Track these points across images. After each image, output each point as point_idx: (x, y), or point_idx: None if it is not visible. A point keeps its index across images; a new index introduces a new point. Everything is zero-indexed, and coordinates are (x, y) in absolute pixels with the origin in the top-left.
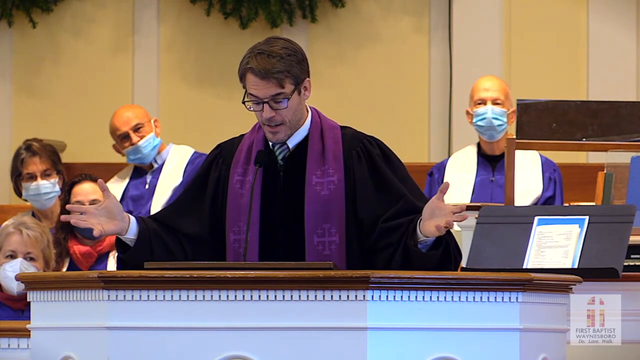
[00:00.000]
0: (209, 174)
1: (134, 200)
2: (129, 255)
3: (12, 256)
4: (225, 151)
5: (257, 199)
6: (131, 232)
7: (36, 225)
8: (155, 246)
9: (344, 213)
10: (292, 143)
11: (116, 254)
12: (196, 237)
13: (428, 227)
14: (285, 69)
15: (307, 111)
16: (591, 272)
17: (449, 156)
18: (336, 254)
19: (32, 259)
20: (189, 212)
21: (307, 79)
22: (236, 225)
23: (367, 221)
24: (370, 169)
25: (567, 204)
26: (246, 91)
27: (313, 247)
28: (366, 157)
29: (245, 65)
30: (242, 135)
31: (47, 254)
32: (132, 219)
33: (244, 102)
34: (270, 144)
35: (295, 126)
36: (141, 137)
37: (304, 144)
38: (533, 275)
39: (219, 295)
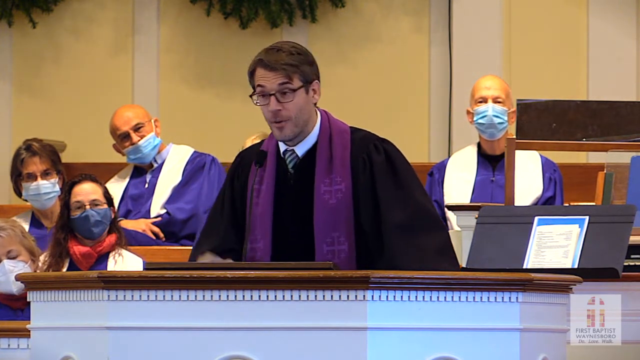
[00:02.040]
0: (233, 186)
1: (134, 200)
2: None
3: None
4: (245, 160)
5: (270, 207)
6: None
7: (4, 222)
8: None
9: (352, 221)
10: (301, 151)
11: (117, 255)
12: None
13: None
14: (294, 63)
15: (317, 115)
16: (591, 272)
17: (449, 156)
18: (346, 262)
19: (15, 256)
20: (230, 229)
21: (317, 81)
22: (252, 234)
23: (367, 230)
24: (371, 179)
25: (567, 204)
26: (254, 88)
27: (323, 256)
28: (369, 165)
29: (256, 59)
30: (261, 142)
31: (26, 244)
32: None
33: (251, 96)
34: (282, 151)
35: (303, 125)
36: (141, 137)
37: (312, 151)
38: (533, 275)
39: (219, 295)
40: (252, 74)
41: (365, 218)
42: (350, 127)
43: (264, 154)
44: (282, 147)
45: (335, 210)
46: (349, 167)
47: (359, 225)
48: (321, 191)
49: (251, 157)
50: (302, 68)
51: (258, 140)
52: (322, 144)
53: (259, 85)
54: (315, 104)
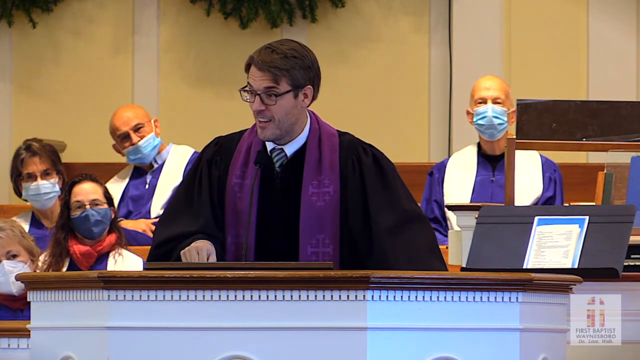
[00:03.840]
0: (210, 173)
1: (134, 201)
2: None
3: None
4: (224, 148)
5: (254, 205)
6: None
7: (3, 222)
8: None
9: (339, 224)
10: (290, 150)
11: (117, 255)
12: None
13: None
14: (285, 67)
15: (307, 117)
16: (591, 272)
17: (449, 156)
18: None
19: (14, 256)
20: (210, 215)
21: (309, 86)
22: (234, 228)
23: (355, 231)
24: (361, 181)
25: (567, 204)
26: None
27: (307, 257)
28: (359, 167)
29: (251, 55)
30: (242, 132)
31: (26, 244)
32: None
33: (240, 91)
34: (269, 149)
35: (287, 129)
36: (141, 137)
37: (301, 151)
38: (533, 275)
39: (219, 295)
40: (247, 68)
41: (354, 220)
42: (337, 130)
43: (263, 154)
44: (270, 145)
45: (322, 213)
46: (338, 170)
47: (344, 228)
48: (309, 192)
49: (231, 145)
50: (292, 72)
51: None
52: (312, 146)
53: (248, 82)
54: (308, 105)
